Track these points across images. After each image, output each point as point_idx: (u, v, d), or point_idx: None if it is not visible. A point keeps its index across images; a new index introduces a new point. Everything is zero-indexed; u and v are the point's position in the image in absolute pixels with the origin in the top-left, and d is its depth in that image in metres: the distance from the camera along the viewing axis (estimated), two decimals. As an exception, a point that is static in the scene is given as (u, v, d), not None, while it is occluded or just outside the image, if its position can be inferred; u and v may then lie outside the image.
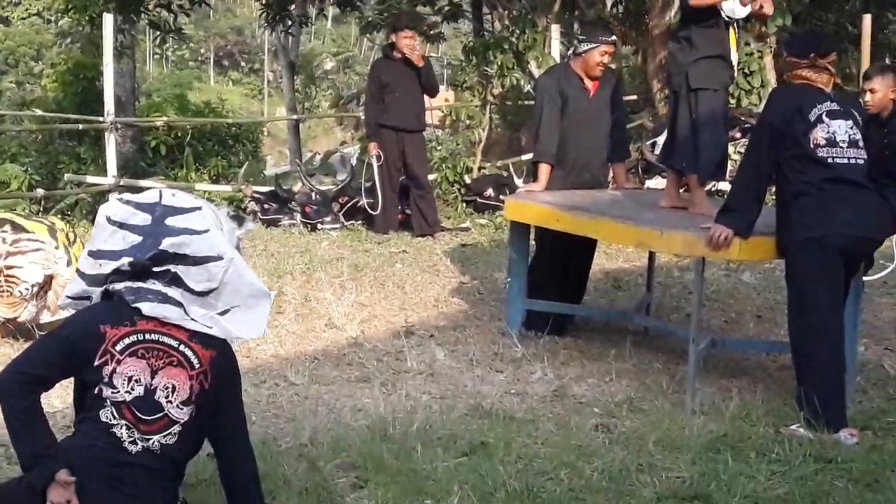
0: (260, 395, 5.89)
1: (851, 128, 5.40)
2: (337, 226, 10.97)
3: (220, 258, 3.49)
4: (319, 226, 10.91)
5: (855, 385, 5.77)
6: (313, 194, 11.32)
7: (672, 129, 6.54)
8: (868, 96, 6.35)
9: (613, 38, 7.35)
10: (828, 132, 5.34)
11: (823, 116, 5.37)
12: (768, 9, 6.31)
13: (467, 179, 12.35)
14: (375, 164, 10.50)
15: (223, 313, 3.57)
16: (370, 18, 22.10)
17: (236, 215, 3.53)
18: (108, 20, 12.02)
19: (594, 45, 7.08)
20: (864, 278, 6.05)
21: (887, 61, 15.32)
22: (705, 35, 6.20)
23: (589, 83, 7.14)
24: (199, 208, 3.61)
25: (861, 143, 5.43)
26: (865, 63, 12.84)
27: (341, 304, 7.73)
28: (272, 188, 11.97)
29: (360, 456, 4.65)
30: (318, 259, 9.05)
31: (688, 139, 6.30)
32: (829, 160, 5.32)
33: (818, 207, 5.27)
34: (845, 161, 5.34)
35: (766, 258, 5.77)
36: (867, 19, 13.05)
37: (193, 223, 3.53)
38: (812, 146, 5.32)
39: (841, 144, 5.35)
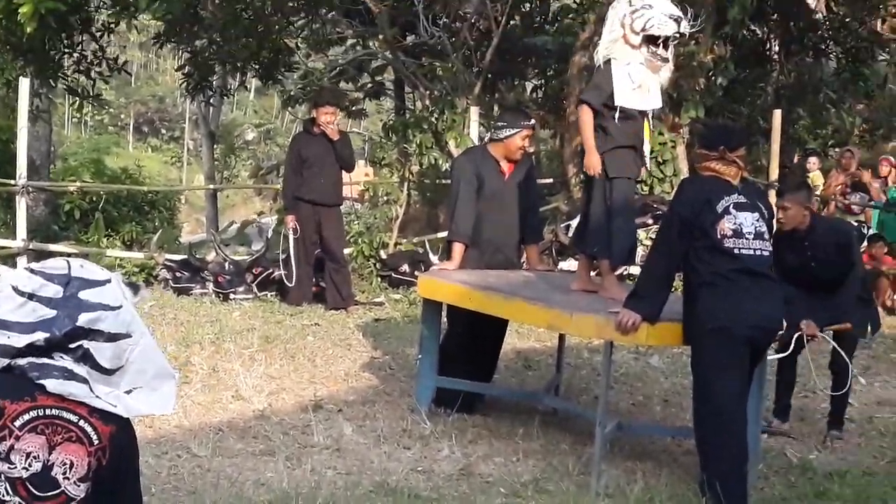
0: (161, 466, 5.78)
1: (758, 220, 5.54)
2: (250, 296, 10.89)
3: (129, 336, 3.44)
4: (232, 296, 10.82)
5: (757, 472, 5.85)
6: (227, 264, 11.24)
7: (585, 214, 6.65)
8: (781, 214, 6.57)
9: (533, 122, 7.46)
10: (735, 223, 5.47)
11: (731, 208, 5.50)
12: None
13: (383, 255, 12.37)
14: (292, 237, 10.48)
15: (128, 392, 3.52)
16: (292, 92, 22.23)
17: (130, 283, 3.48)
18: (24, 84, 11.94)
19: (516, 130, 7.18)
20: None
21: (797, 156, 15.75)
22: (620, 125, 6.33)
23: (505, 166, 7.23)
24: (110, 281, 3.57)
25: (766, 235, 5.58)
26: (775, 156, 13.20)
27: (250, 376, 7.65)
28: (185, 256, 11.86)
29: (262, 531, 4.59)
30: (229, 329, 8.95)
31: (601, 225, 6.40)
32: (736, 251, 5.44)
33: (725, 298, 5.38)
34: (751, 252, 5.46)
35: (674, 344, 5.86)
36: (777, 114, 13.42)
37: (107, 298, 3.48)
38: (719, 237, 5.44)
39: (747, 236, 5.47)
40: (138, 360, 3.45)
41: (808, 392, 8.13)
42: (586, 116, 6.32)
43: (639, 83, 6.26)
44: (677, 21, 6.17)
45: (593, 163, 6.32)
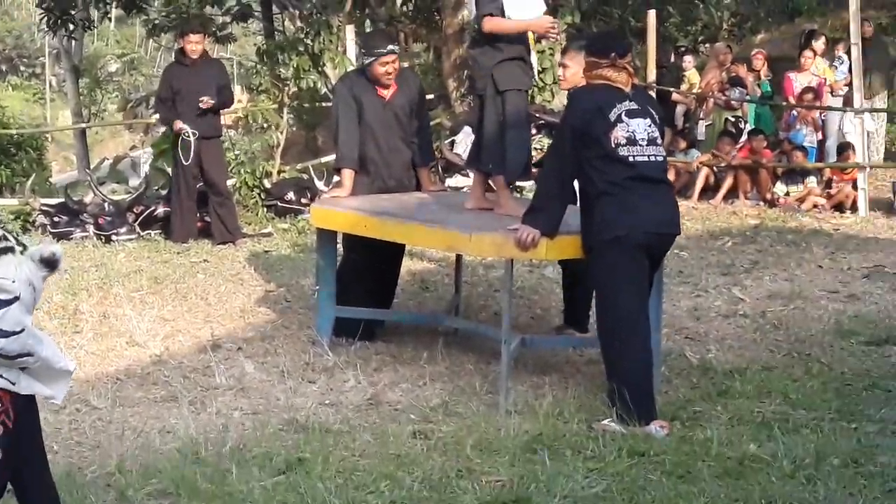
0: (60, 422, 5.60)
1: (650, 126, 5.52)
2: (133, 237, 10.61)
3: (30, 355, 3.33)
4: (114, 237, 10.52)
5: (660, 375, 5.90)
6: (106, 205, 10.91)
7: (479, 131, 6.55)
8: (560, 71, 6.47)
9: (391, 47, 7.19)
10: (628, 131, 5.44)
11: (623, 116, 5.47)
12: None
13: (267, 184, 12.13)
14: (192, 138, 10.06)
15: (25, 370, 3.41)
16: (156, 21, 21.52)
17: (45, 258, 3.29)
18: None
19: (373, 58, 7.03)
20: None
21: (672, 56, 15.85)
22: (506, 38, 6.22)
23: (384, 90, 7.08)
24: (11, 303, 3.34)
25: (659, 141, 5.57)
26: (651, 57, 13.25)
27: (142, 320, 7.45)
28: (62, 200, 11.46)
29: (172, 481, 4.47)
30: (115, 273, 8.71)
31: (494, 140, 6.31)
32: (630, 158, 5.42)
33: (620, 206, 5.36)
34: (645, 158, 5.45)
35: (573, 257, 5.82)
36: (652, 14, 13.46)
37: (6, 323, 3.29)
38: (613, 145, 5.41)
39: (641, 143, 5.45)
40: (40, 369, 3.37)
41: (701, 291, 8.27)
42: (497, 22, 6.19)
43: None
44: None
45: (547, 22, 6.35)
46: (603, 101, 5.50)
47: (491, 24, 6.19)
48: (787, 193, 12.26)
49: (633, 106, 5.53)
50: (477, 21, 6.33)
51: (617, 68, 5.54)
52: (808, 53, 13.61)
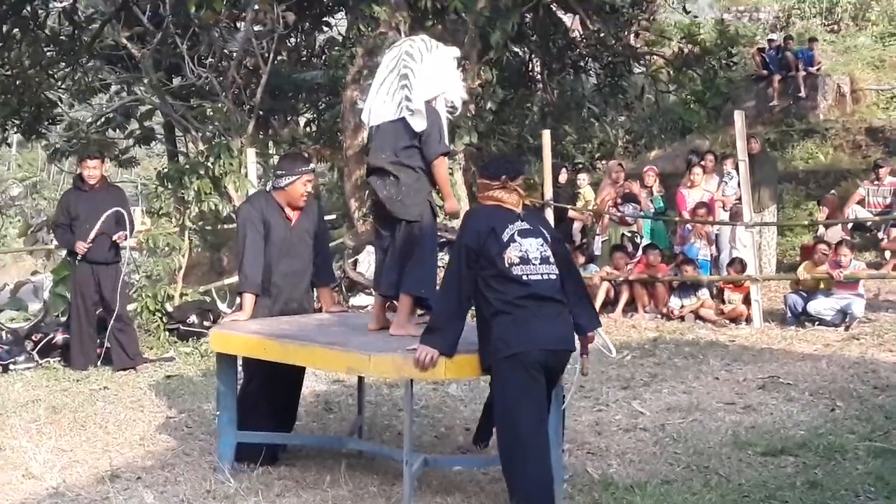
0: (-48, 561, 5.43)
1: (542, 245, 5.67)
2: (31, 365, 10.42)
3: None
4: (12, 366, 10.32)
5: (562, 492, 5.95)
6: (3, 333, 10.72)
7: (383, 255, 6.66)
8: None
9: (312, 167, 7.40)
10: (521, 250, 5.58)
11: (516, 236, 5.62)
12: None
13: (169, 307, 12.05)
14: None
15: None
16: (57, 145, 21.45)
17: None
18: None
19: (296, 176, 7.11)
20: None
21: (565, 171, 16.26)
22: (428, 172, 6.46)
23: (291, 213, 7.16)
24: None
25: (552, 259, 5.70)
26: (548, 175, 13.58)
27: (39, 451, 7.27)
28: (-43, 329, 11.25)
29: None
30: (12, 403, 8.54)
31: (397, 264, 6.43)
32: (525, 277, 5.55)
33: (515, 325, 5.47)
34: (539, 277, 5.58)
35: (473, 376, 5.89)
36: (546, 134, 13.85)
37: None
38: (507, 265, 5.54)
39: (534, 262, 5.59)
40: None
41: (602, 405, 8.37)
42: (445, 168, 6.50)
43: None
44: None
45: (455, 207, 6.74)
46: (496, 222, 5.65)
47: (442, 166, 6.46)
48: (682, 307, 12.55)
49: (526, 226, 5.68)
50: (430, 156, 6.47)
51: (508, 190, 5.71)
52: (696, 170, 14.09)
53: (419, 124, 6.42)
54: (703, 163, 14.39)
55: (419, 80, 6.49)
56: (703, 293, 12.55)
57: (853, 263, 12.04)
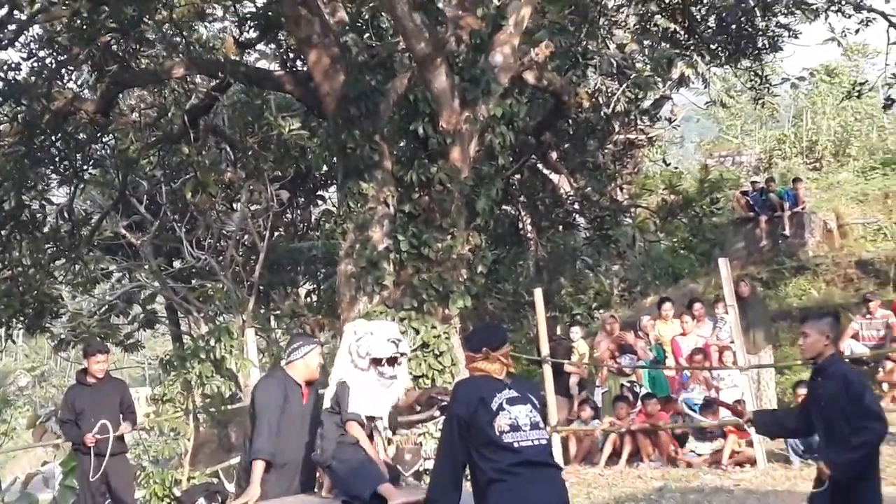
0: None
1: (531, 411, 5.85)
2: (42, 562, 10.45)
3: None
4: (22, 565, 10.36)
5: None
6: (14, 533, 10.80)
7: None
8: (801, 340, 6.82)
9: (320, 340, 7.71)
10: (510, 418, 5.75)
11: (504, 404, 5.79)
12: None
13: (177, 492, 12.11)
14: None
15: None
16: (62, 336, 21.79)
17: None
18: None
19: (312, 346, 7.46)
20: None
21: (561, 327, 16.50)
22: None
23: (305, 389, 7.40)
24: None
25: (541, 425, 5.89)
26: (542, 331, 13.77)
27: None
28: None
29: None
30: None
31: None
32: (516, 444, 5.70)
33: (511, 492, 5.60)
34: (530, 443, 5.74)
35: (470, 545, 5.99)
36: (538, 292, 14.10)
37: None
38: (498, 433, 5.70)
39: (524, 428, 5.76)
40: None
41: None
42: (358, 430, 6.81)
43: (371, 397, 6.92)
44: (396, 343, 6.97)
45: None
46: (484, 391, 5.84)
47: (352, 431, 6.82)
48: (698, 455, 12.66)
49: (513, 393, 5.87)
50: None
51: (490, 361, 5.93)
52: (686, 318, 14.35)
53: None
54: (693, 310, 14.64)
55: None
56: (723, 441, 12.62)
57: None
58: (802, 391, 12.36)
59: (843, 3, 18.29)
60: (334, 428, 6.83)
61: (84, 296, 24.45)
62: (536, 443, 5.77)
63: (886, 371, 14.15)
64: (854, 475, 6.50)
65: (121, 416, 10.45)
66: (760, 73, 22.30)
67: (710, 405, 13.03)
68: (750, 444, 12.31)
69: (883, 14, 17.92)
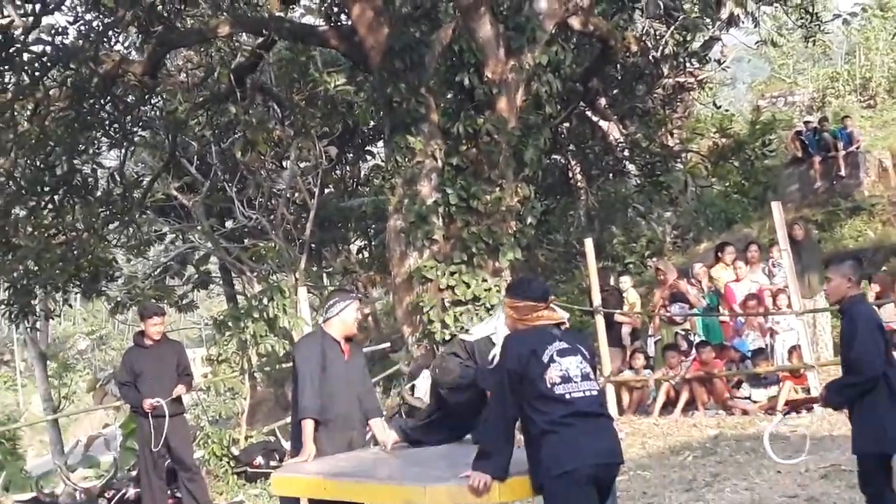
0: None
1: (581, 362, 5.80)
2: (105, 524, 10.63)
3: None
4: (87, 527, 10.54)
5: None
6: (78, 493, 10.97)
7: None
8: (825, 285, 6.98)
9: (358, 294, 7.72)
10: (561, 370, 5.71)
11: (555, 356, 5.75)
12: None
13: (235, 451, 12.26)
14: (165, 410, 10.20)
15: None
16: (118, 298, 22.04)
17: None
18: None
19: (348, 302, 7.41)
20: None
21: (613, 277, 16.41)
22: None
23: (345, 346, 7.41)
24: None
25: (592, 375, 5.85)
26: (594, 281, 13.72)
27: None
28: (34, 494, 11.51)
29: None
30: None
31: None
32: (567, 396, 5.67)
33: (563, 443, 5.59)
34: (581, 394, 5.70)
35: (525, 497, 6.00)
36: (589, 242, 14.01)
37: None
38: (549, 385, 5.67)
39: (575, 380, 5.72)
40: None
41: None
42: None
43: None
44: None
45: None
46: (536, 344, 5.79)
47: None
48: (750, 397, 12.58)
49: (564, 345, 5.82)
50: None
51: (550, 310, 5.90)
52: (739, 263, 14.16)
53: None
54: (748, 254, 14.45)
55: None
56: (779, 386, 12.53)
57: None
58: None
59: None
60: None
61: (138, 258, 24.71)
62: (588, 394, 5.74)
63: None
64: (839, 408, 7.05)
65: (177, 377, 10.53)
66: (811, 10, 21.86)
67: (761, 352, 12.96)
68: (807, 390, 12.18)
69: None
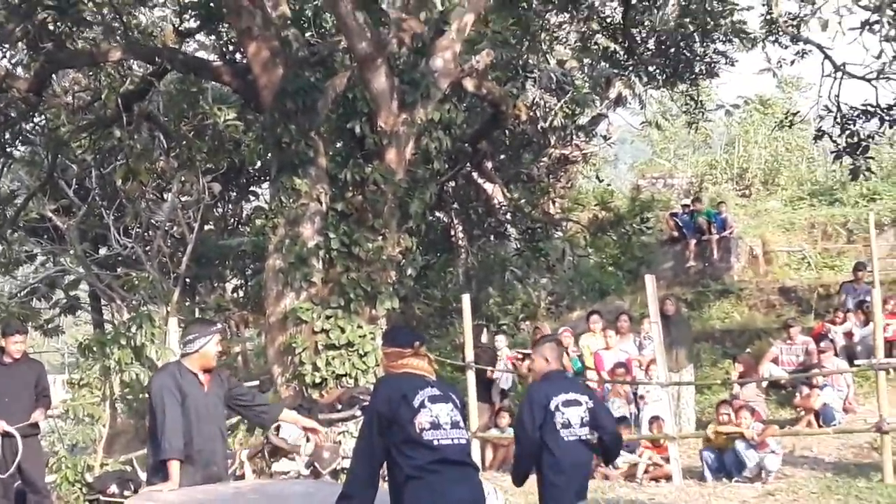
0: None
1: (452, 410, 5.84)
2: (-53, 543, 10.21)
3: None
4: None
5: None
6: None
7: None
8: (529, 363, 7.21)
9: (220, 326, 7.56)
10: (432, 416, 5.73)
11: (426, 401, 5.78)
12: None
13: (89, 478, 11.93)
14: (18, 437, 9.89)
15: None
16: (-21, 316, 21.32)
17: None
18: None
19: (208, 337, 7.26)
20: None
21: (486, 334, 16.57)
22: None
23: (203, 378, 7.28)
24: None
25: (462, 424, 5.89)
26: (468, 337, 13.80)
27: None
28: None
29: None
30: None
31: None
32: (435, 442, 5.68)
33: (427, 489, 5.60)
34: (450, 441, 5.73)
35: (386, 541, 5.98)
36: (466, 298, 14.10)
37: None
38: (418, 430, 5.68)
39: (445, 427, 5.75)
40: None
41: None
42: None
43: None
44: None
45: None
46: (407, 389, 5.81)
47: None
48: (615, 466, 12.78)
49: (436, 392, 5.85)
50: None
51: (419, 356, 5.93)
52: (609, 333, 14.48)
53: None
54: (618, 324, 14.78)
55: None
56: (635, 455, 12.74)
57: (753, 425, 12.38)
58: (724, 411, 12.68)
59: (781, 33, 18.59)
60: None
61: (6, 277, 24.04)
62: (456, 442, 5.77)
63: (803, 396, 14.39)
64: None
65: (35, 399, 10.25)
66: (696, 98, 22.62)
67: (623, 420, 13.19)
68: (666, 459, 12.45)
69: (819, 46, 18.24)
